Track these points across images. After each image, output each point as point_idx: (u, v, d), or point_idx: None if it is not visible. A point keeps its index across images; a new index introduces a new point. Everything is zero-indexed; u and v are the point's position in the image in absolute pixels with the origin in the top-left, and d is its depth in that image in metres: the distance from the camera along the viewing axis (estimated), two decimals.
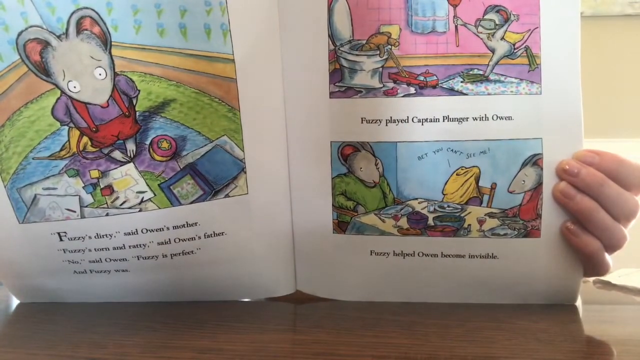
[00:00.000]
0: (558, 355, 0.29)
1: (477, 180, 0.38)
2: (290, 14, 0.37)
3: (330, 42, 0.37)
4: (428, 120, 0.37)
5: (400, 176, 0.38)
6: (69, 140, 0.35)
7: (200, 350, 0.30)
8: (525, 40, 0.36)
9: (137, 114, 0.35)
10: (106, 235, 0.37)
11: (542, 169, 0.37)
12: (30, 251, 0.38)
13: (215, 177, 0.38)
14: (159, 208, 0.37)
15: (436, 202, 0.39)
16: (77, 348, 0.31)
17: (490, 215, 0.39)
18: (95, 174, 0.36)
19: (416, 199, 0.39)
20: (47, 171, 0.36)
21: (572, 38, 0.36)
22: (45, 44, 0.33)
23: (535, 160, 0.37)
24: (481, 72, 0.37)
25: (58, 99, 0.34)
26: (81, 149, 0.35)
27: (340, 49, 0.37)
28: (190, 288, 0.41)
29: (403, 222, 0.39)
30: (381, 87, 0.37)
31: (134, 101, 0.35)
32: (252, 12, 0.36)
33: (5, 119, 0.34)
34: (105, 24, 0.33)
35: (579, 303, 0.40)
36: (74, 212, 0.37)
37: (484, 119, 0.37)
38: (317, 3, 0.36)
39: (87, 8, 0.33)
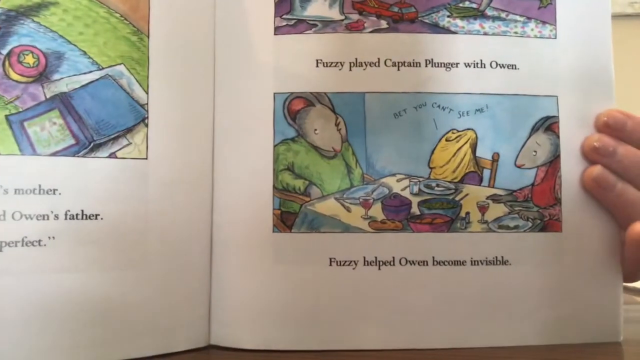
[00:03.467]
0: (558, 355, 0.27)
1: (474, 148, 0.28)
2: None
3: None
4: (406, 64, 0.28)
5: (371, 141, 0.27)
6: None
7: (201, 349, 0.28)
8: None
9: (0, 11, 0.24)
10: None
11: (558, 137, 0.28)
12: None
13: (99, 122, 0.25)
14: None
15: (421, 179, 0.28)
16: None
17: (495, 198, 0.28)
18: None
19: (394, 174, 0.28)
20: None
21: None
22: None
23: (549, 125, 0.28)
24: (474, 6, 0.28)
25: None
26: None
27: None
28: (23, 327, 0.24)
29: (377, 211, 0.27)
30: (343, 20, 0.28)
31: None
32: None
33: None
34: None
35: None
36: None
37: (479, 65, 0.28)
38: None
39: None
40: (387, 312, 0.27)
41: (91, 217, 0.25)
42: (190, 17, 0.28)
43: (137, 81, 0.26)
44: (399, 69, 0.28)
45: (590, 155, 0.28)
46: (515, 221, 0.28)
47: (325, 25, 0.28)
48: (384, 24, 0.28)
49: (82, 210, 0.25)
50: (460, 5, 0.28)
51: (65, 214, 0.24)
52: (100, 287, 0.25)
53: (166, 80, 0.27)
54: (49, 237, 0.24)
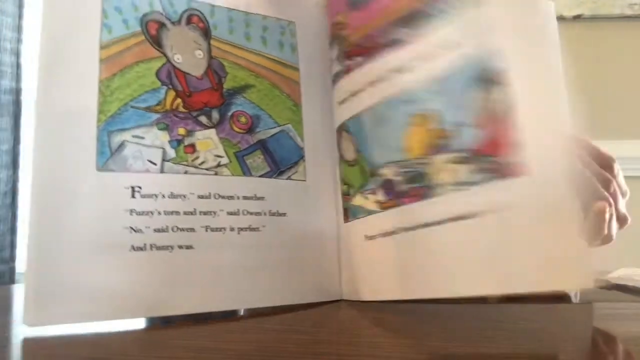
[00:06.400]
0: (558, 356, 0.28)
1: (437, 124, 0.34)
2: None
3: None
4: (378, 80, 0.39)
5: (370, 144, 0.39)
6: (165, 98, 0.39)
7: (199, 350, 0.29)
8: None
9: (224, 89, 0.41)
10: (180, 195, 0.37)
11: (509, 85, 0.30)
12: (93, 211, 0.35)
13: (281, 157, 0.42)
14: (232, 175, 0.40)
15: (400, 161, 0.36)
16: (79, 347, 0.30)
17: (456, 161, 0.33)
18: (182, 131, 0.39)
19: (385, 164, 0.38)
20: (140, 120, 0.38)
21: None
22: (162, 25, 0.40)
23: (498, 79, 0.30)
24: None
25: (164, 64, 0.40)
26: (174, 107, 0.39)
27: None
28: (251, 279, 0.39)
29: (380, 195, 0.38)
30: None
31: (223, 80, 0.42)
32: (311, 44, 0.46)
33: (119, 70, 0.38)
34: (208, 22, 0.42)
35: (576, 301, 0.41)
36: (155, 164, 0.37)
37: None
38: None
39: (196, 9, 0.42)
40: (412, 276, 0.36)
41: (282, 215, 0.41)
42: (317, 96, 0.45)
43: (298, 134, 0.44)
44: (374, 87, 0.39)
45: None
46: (474, 177, 0.32)
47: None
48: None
49: (278, 210, 0.41)
50: None
51: (269, 212, 0.40)
52: (284, 256, 0.40)
53: (310, 133, 0.44)
54: (263, 226, 0.40)
